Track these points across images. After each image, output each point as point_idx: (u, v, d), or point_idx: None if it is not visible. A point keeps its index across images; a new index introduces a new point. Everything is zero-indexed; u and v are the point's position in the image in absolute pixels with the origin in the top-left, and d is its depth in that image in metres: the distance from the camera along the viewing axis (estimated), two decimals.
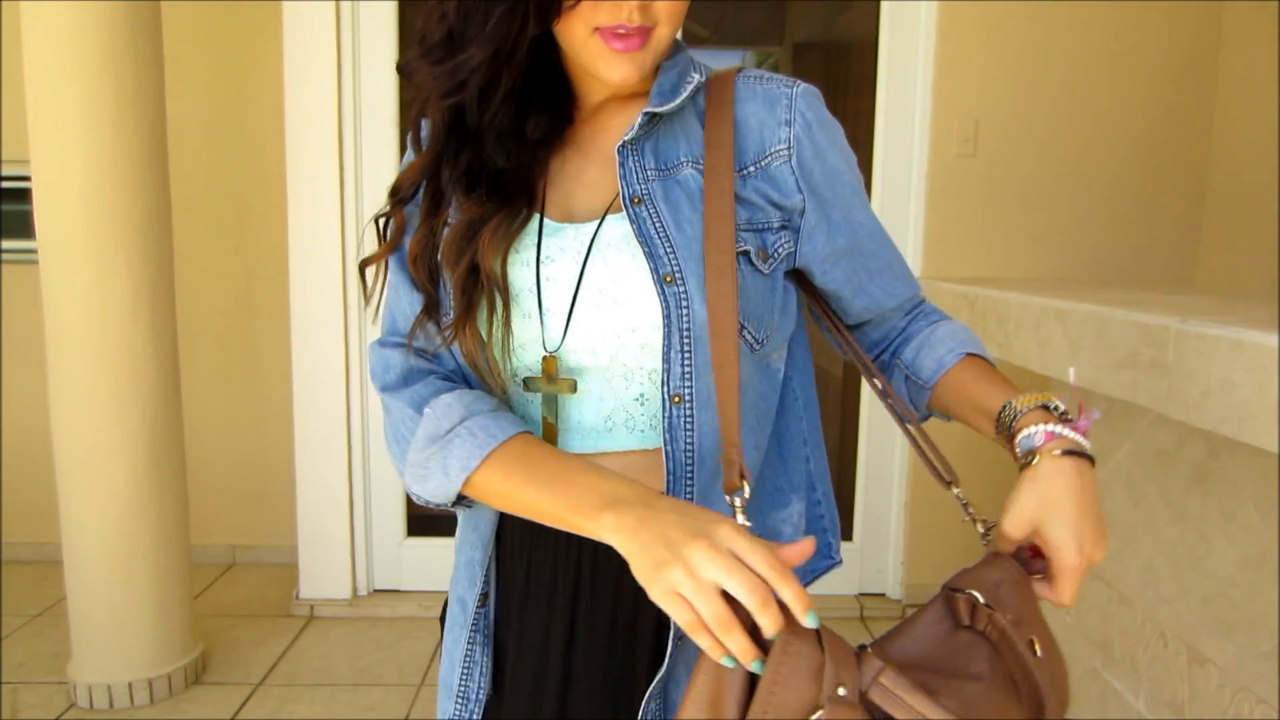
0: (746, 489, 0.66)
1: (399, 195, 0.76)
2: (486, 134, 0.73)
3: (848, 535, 2.98)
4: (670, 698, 0.71)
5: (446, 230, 0.72)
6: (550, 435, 0.74)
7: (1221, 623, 1.34)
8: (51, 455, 2.20)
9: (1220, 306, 1.26)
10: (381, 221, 0.77)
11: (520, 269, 0.72)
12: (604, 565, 0.74)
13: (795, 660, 0.55)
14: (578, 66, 0.75)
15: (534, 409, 0.75)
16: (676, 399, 0.70)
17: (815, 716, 0.55)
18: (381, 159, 2.73)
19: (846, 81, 3.44)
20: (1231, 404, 0.96)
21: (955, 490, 0.81)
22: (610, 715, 0.74)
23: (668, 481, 0.71)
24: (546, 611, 0.76)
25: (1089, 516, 0.65)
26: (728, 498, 0.66)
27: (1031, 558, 0.71)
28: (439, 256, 0.72)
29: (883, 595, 2.96)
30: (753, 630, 0.56)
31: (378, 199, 2.74)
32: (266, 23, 2.86)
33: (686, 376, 0.69)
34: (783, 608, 0.56)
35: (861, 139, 2.98)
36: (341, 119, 2.67)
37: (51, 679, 2.38)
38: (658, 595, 0.58)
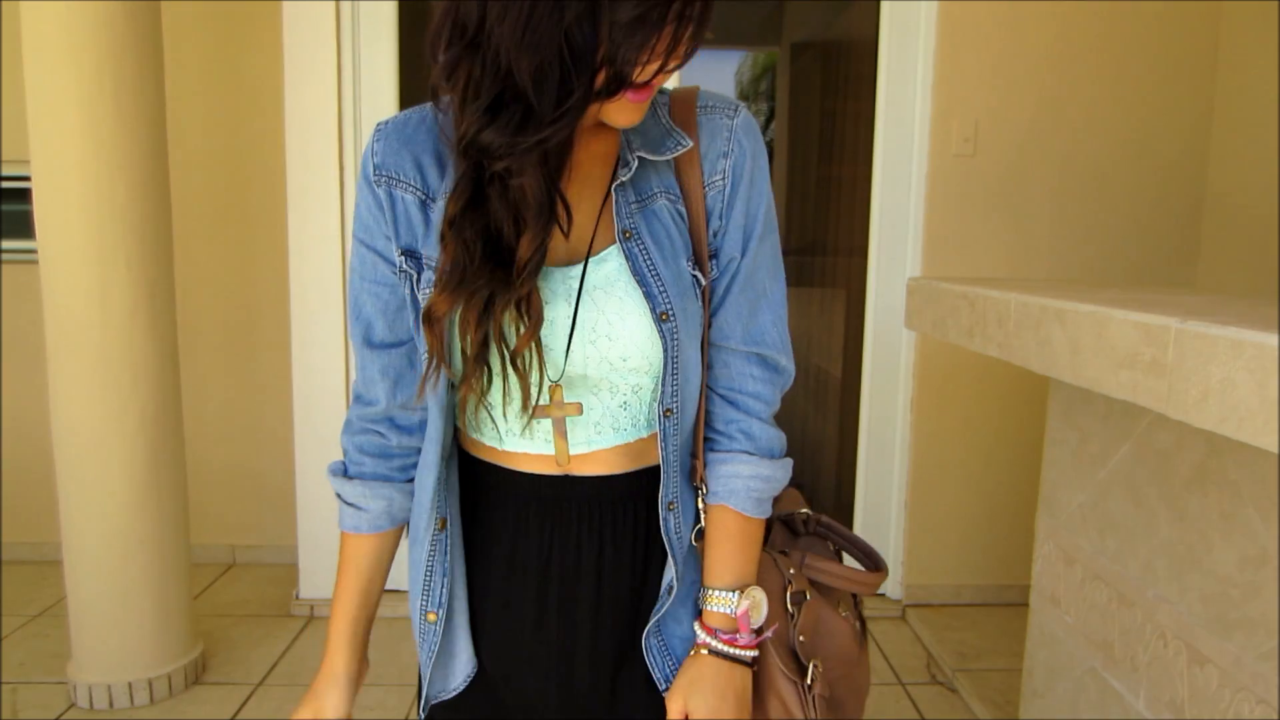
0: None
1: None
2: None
3: None
4: (669, 635, 0.86)
5: (459, 307, 0.76)
6: (562, 447, 0.83)
7: (1221, 623, 1.34)
8: (51, 455, 2.20)
9: (1220, 306, 1.26)
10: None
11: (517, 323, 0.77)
12: (622, 531, 0.86)
13: (763, 573, 0.87)
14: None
15: (541, 426, 0.83)
16: (668, 413, 0.82)
17: (788, 591, 0.87)
18: None
19: (846, 81, 3.44)
20: (1231, 404, 0.96)
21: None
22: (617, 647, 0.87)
23: (662, 477, 0.83)
24: (539, 575, 0.86)
25: (722, 700, 0.81)
26: (698, 485, 0.86)
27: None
28: (454, 329, 0.78)
29: (883, 595, 2.96)
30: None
31: None
32: (266, 23, 2.86)
33: (675, 394, 0.82)
34: None
35: (861, 139, 2.99)
36: (341, 119, 2.67)
37: (51, 679, 2.38)
38: None
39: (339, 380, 2.75)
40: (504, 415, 0.82)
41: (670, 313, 0.78)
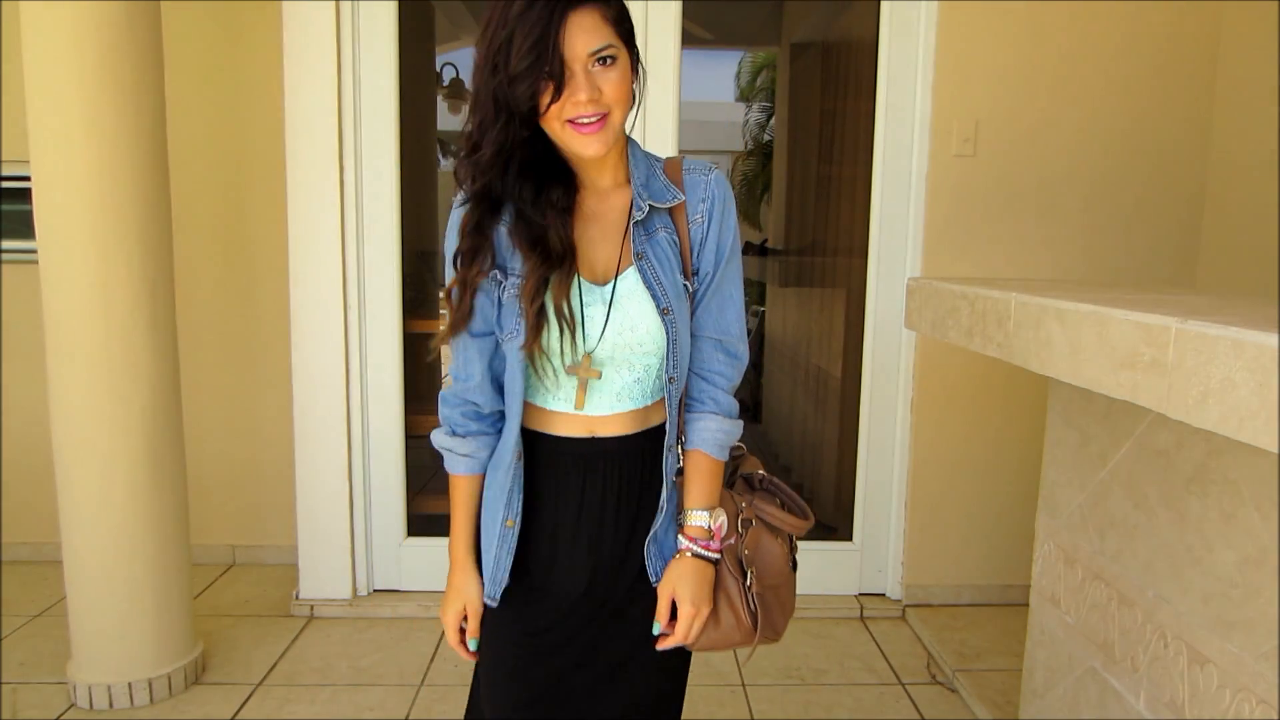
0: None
1: (463, 254, 1.15)
2: (517, 202, 1.12)
3: (848, 535, 2.98)
4: (661, 542, 1.20)
5: (519, 280, 1.12)
6: (580, 401, 1.17)
7: (1221, 623, 1.34)
8: (51, 455, 2.20)
9: (1220, 306, 1.26)
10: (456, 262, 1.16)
11: (573, 306, 1.14)
12: (616, 483, 1.20)
13: (722, 503, 1.21)
14: (570, 154, 1.12)
15: (570, 385, 1.17)
16: (671, 380, 1.18)
17: (739, 517, 1.22)
18: (381, 159, 2.73)
19: (846, 81, 3.44)
20: (1231, 404, 0.96)
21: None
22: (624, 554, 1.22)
23: (667, 429, 1.19)
24: (576, 512, 1.20)
25: (700, 588, 1.17)
26: (679, 438, 1.22)
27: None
28: (517, 295, 1.12)
29: (883, 595, 2.96)
30: None
31: (378, 198, 2.74)
32: (266, 23, 2.86)
33: (675, 367, 1.18)
34: None
35: (861, 139, 2.99)
36: (341, 119, 2.67)
37: (51, 679, 2.38)
38: None
39: (339, 380, 2.75)
40: (549, 372, 1.15)
41: (670, 309, 1.15)
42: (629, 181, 1.17)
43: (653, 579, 1.20)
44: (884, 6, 2.75)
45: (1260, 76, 2.59)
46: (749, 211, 7.56)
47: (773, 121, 7.34)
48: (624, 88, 1.08)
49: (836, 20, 3.77)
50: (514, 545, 1.19)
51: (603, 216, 1.18)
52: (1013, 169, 2.75)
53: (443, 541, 2.86)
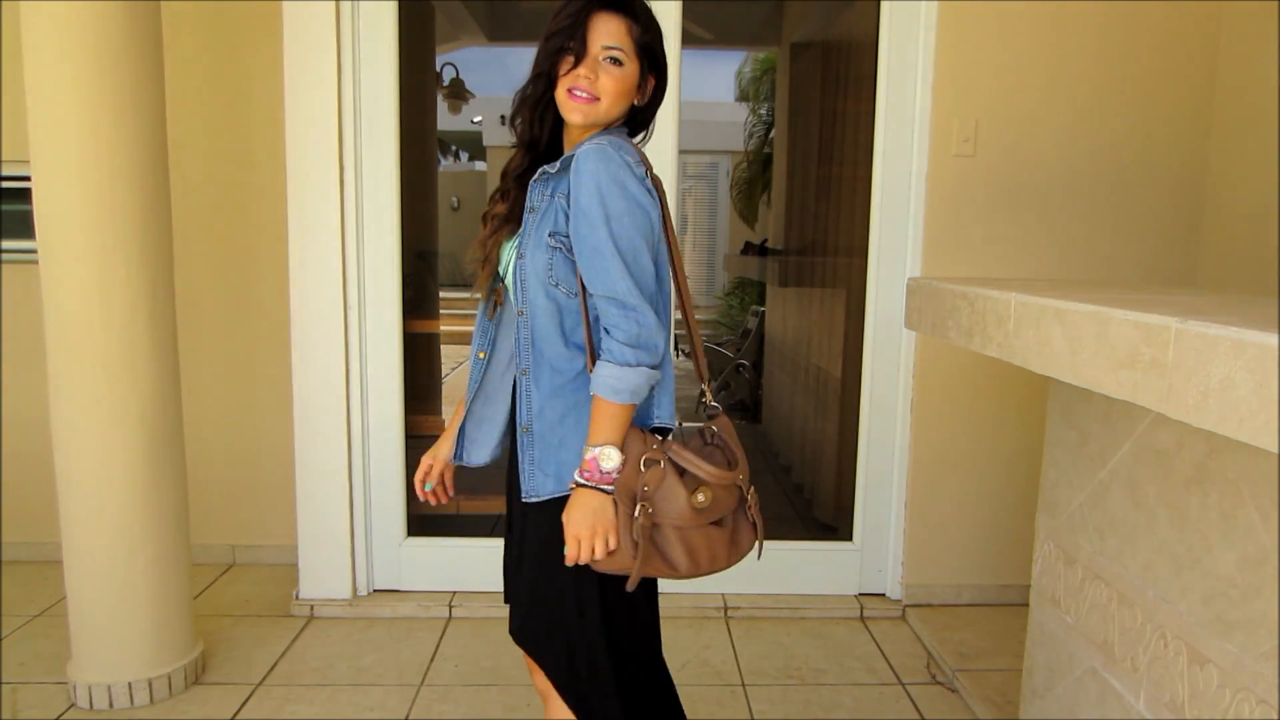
0: None
1: (511, 173, 1.45)
2: (546, 141, 1.43)
3: (848, 535, 2.98)
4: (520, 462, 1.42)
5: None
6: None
7: (1221, 623, 1.34)
8: (51, 455, 2.20)
9: (1220, 306, 1.26)
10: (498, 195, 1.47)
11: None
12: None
13: (632, 440, 1.33)
14: (564, 118, 1.39)
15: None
16: (520, 313, 1.40)
17: (643, 456, 1.32)
18: (381, 159, 2.73)
19: (846, 81, 3.44)
20: (1231, 404, 0.96)
21: (703, 386, 1.49)
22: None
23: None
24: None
25: (579, 514, 1.30)
26: None
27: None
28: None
29: (883, 595, 2.96)
30: None
31: (377, 198, 2.75)
32: (266, 23, 2.86)
33: (524, 302, 1.41)
34: None
35: (861, 139, 2.99)
36: (341, 119, 2.67)
37: (51, 679, 2.38)
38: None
39: (339, 380, 2.75)
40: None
41: (524, 255, 1.39)
42: None
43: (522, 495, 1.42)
44: (884, 6, 2.75)
45: (1260, 76, 2.59)
46: (748, 212, 7.56)
47: (773, 123, 7.35)
48: (620, 87, 1.33)
49: (836, 20, 3.77)
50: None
51: None
52: (1013, 169, 2.75)
53: (443, 542, 2.89)
